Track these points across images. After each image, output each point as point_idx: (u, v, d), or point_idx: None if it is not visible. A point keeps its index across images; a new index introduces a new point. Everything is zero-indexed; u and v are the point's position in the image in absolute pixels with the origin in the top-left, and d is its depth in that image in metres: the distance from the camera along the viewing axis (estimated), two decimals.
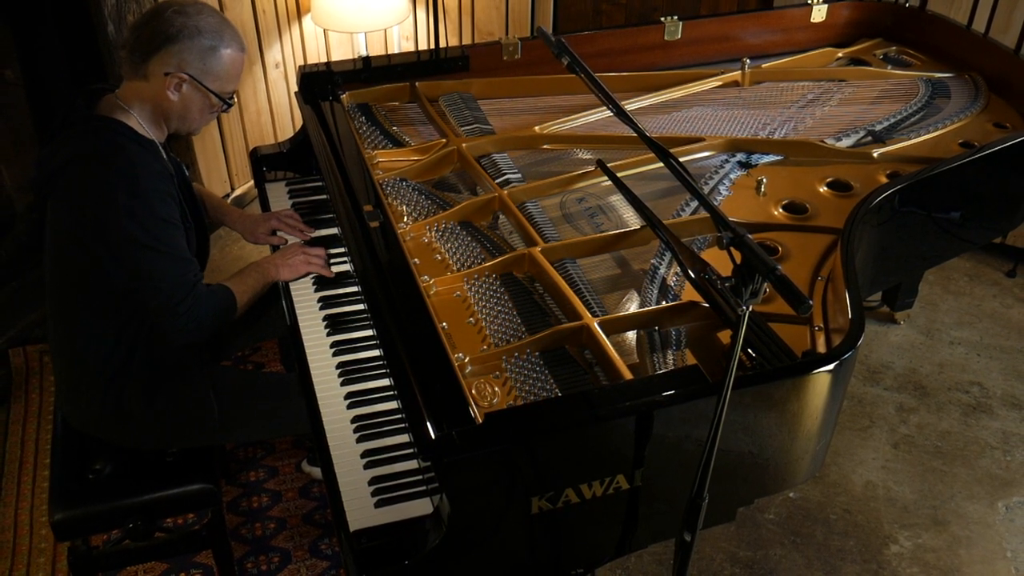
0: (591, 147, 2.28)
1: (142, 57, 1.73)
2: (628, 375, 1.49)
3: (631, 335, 1.66)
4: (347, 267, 2.02)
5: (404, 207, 1.99)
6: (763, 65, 2.68)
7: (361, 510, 1.48)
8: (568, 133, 2.32)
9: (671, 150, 1.52)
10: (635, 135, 1.58)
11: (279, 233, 2.16)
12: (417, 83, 2.45)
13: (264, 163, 2.41)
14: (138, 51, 1.73)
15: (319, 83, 2.37)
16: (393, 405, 1.68)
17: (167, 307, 1.71)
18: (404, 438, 1.61)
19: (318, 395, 1.72)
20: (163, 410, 1.84)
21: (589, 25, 3.83)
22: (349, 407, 1.69)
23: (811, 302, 1.15)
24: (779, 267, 1.15)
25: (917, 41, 2.84)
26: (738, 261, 1.20)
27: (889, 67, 2.73)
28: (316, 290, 1.97)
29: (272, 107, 3.69)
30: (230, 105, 1.84)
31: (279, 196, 2.33)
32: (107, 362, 1.80)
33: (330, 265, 2.02)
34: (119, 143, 1.71)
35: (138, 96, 1.77)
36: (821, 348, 1.60)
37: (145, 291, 1.72)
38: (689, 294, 1.72)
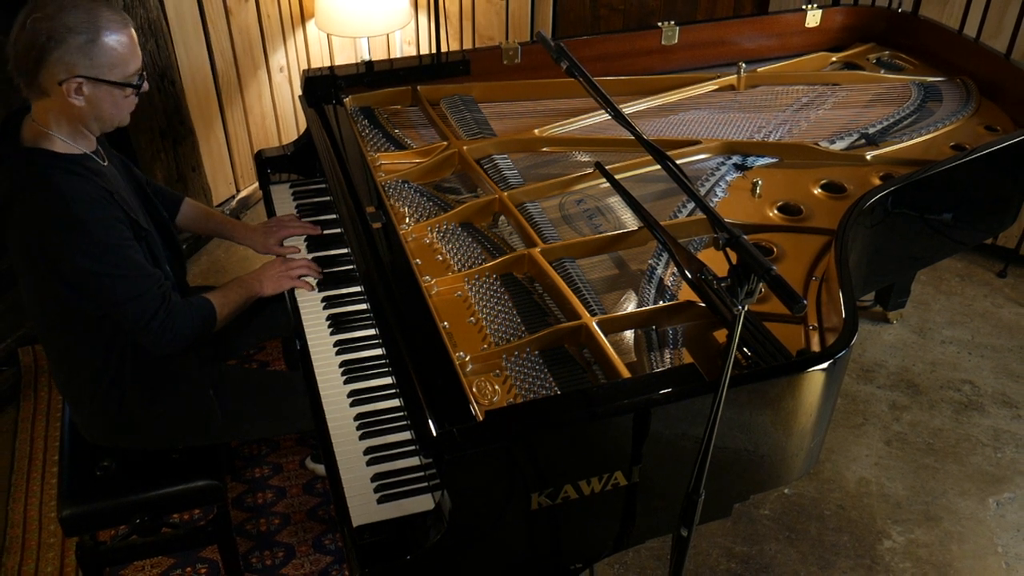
0: (590, 150, 2.29)
1: (30, 76, 1.59)
2: (626, 373, 1.50)
3: (629, 334, 1.67)
4: (350, 267, 2.04)
5: (406, 208, 2.00)
6: (759, 69, 2.70)
7: (364, 506, 1.49)
8: (567, 136, 2.34)
9: (668, 153, 1.52)
10: (633, 138, 1.58)
11: (288, 241, 2.16)
12: (419, 87, 2.47)
13: (268, 165, 2.43)
14: (23, 72, 1.59)
15: (322, 87, 2.39)
16: (395, 403, 1.70)
17: (139, 325, 1.70)
18: (406, 435, 1.63)
19: (321, 393, 1.73)
20: (165, 412, 1.86)
21: (588, 30, 3.83)
22: (352, 405, 1.70)
23: (805, 302, 1.15)
24: (774, 267, 1.16)
25: (910, 46, 2.86)
26: (734, 261, 1.21)
27: (882, 71, 2.75)
28: (320, 290, 1.99)
29: (276, 110, 3.71)
30: (139, 87, 1.68)
31: (283, 198, 2.34)
32: (101, 373, 1.80)
33: (318, 273, 2.02)
34: (46, 177, 1.61)
35: (50, 113, 1.64)
36: (815, 347, 1.61)
37: (116, 314, 1.71)
38: (686, 294, 1.73)
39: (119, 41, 1.61)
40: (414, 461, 1.57)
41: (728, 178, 2.19)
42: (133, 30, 1.66)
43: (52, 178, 1.61)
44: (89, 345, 1.78)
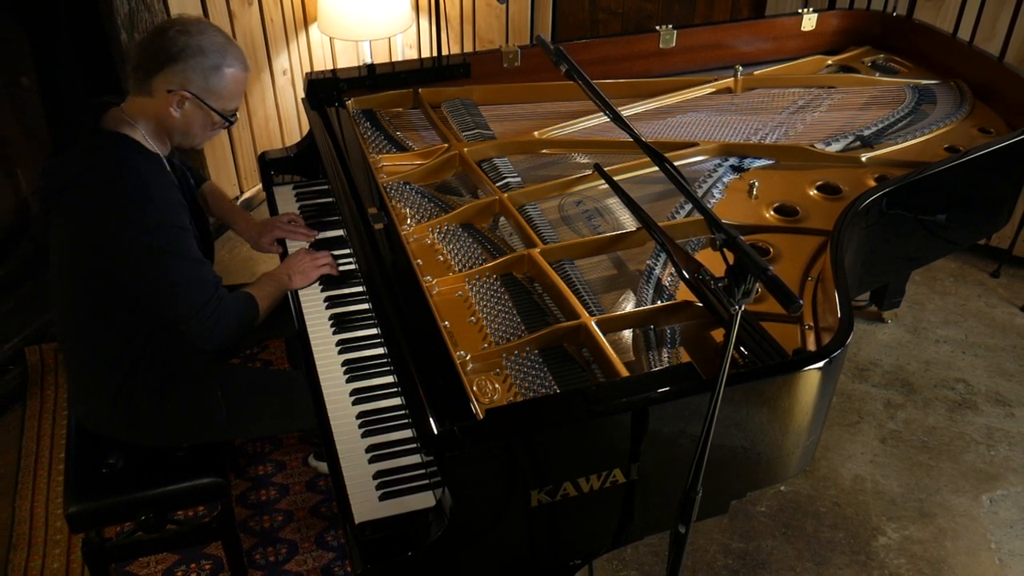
0: (589, 151, 2.30)
1: (146, 74, 1.76)
2: (624, 372, 1.51)
3: (627, 334, 1.69)
4: (352, 267, 2.05)
5: (407, 209, 2.02)
6: (755, 72, 2.72)
7: (366, 503, 1.50)
8: (566, 138, 2.35)
9: (666, 154, 1.52)
10: (631, 140, 1.58)
11: (286, 241, 2.18)
12: (420, 89, 2.48)
13: (272, 167, 2.44)
14: (142, 69, 1.76)
15: (325, 90, 2.40)
16: (397, 401, 1.71)
17: (193, 310, 1.74)
18: (407, 433, 1.64)
19: (324, 392, 1.75)
20: (172, 410, 1.87)
21: (587, 33, 3.85)
22: (354, 403, 1.71)
23: (801, 301, 1.15)
24: (770, 268, 1.16)
25: (904, 49, 2.88)
26: (731, 262, 1.21)
27: (877, 74, 2.77)
28: (322, 290, 2.00)
29: (280, 113, 3.72)
30: (231, 122, 1.87)
31: (286, 199, 2.36)
32: (117, 367, 1.83)
33: (336, 272, 2.04)
34: (127, 157, 1.73)
35: (143, 112, 1.80)
36: (811, 346, 1.62)
37: (168, 297, 1.74)
38: (683, 294, 1.75)
39: (235, 78, 1.81)
40: (415, 459, 1.58)
41: (725, 179, 2.21)
42: (248, 75, 1.86)
43: (133, 161, 1.74)
44: (113, 335, 1.81)
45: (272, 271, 2.01)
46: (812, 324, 1.69)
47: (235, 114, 1.87)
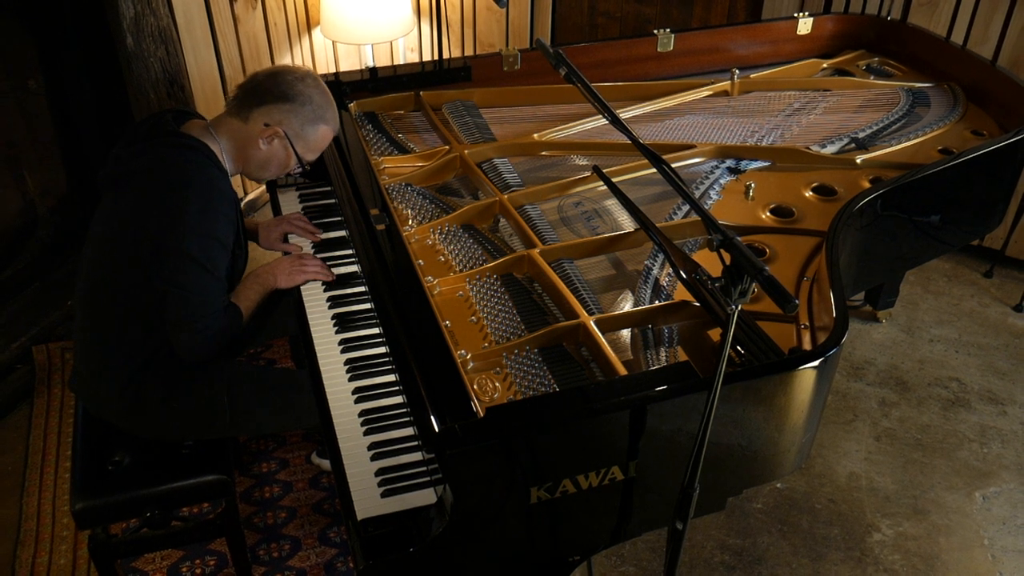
0: (587, 153, 2.32)
1: (253, 103, 1.88)
2: (623, 371, 1.53)
3: (626, 333, 1.71)
4: (355, 268, 2.07)
5: (409, 211, 2.04)
6: (751, 75, 2.74)
7: (368, 500, 1.51)
8: (565, 140, 2.37)
9: (664, 156, 1.54)
10: (629, 142, 1.60)
11: (291, 237, 2.20)
12: (421, 92, 2.50)
13: None
14: (251, 96, 1.88)
15: None
16: (398, 400, 1.72)
17: (189, 320, 1.76)
18: (409, 431, 1.65)
19: (327, 390, 1.75)
20: (178, 406, 1.89)
21: (585, 37, 3.86)
22: (356, 401, 1.72)
23: (797, 301, 1.17)
24: (767, 268, 1.17)
25: (898, 52, 2.90)
26: (727, 262, 1.22)
27: (872, 77, 2.79)
28: (325, 290, 2.01)
29: None
30: (305, 170, 2.00)
31: (290, 201, 2.36)
32: (131, 358, 1.85)
33: (329, 269, 2.04)
34: (203, 164, 1.82)
35: (231, 132, 1.90)
36: (807, 345, 1.64)
37: (175, 301, 1.76)
38: (681, 294, 1.77)
39: (325, 135, 1.96)
40: (417, 456, 1.59)
41: (722, 181, 2.23)
42: (333, 138, 2.02)
43: (208, 168, 1.82)
44: (130, 330, 1.84)
45: (258, 270, 2.01)
46: (808, 323, 1.71)
47: (307, 165, 1.99)
